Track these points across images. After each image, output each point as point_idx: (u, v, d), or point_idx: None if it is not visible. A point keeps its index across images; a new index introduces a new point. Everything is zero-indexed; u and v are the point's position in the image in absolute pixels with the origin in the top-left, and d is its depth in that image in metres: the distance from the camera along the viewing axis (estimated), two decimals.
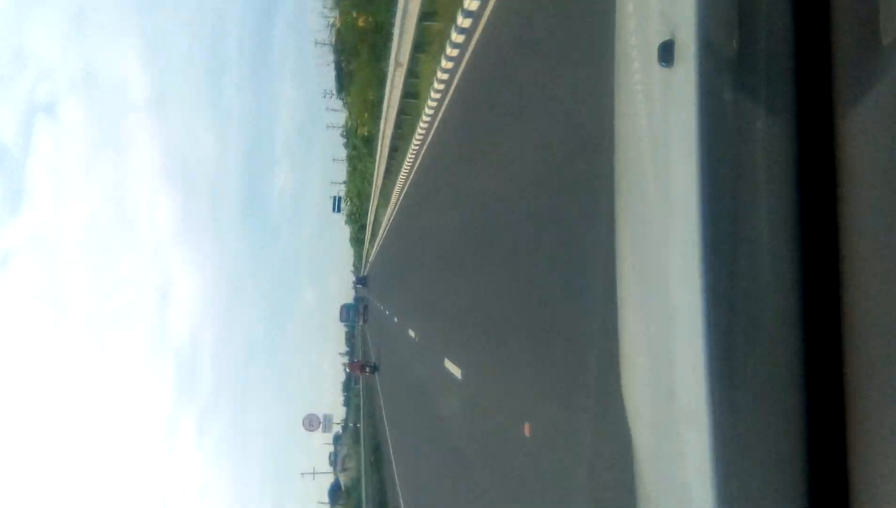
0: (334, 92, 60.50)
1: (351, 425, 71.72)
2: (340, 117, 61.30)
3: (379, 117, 30.86)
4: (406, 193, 27.48)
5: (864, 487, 0.89)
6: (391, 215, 35.73)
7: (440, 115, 17.08)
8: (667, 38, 1.16)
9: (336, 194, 71.14)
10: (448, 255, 14.95)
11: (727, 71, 1.06)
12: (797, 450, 0.95)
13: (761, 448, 0.97)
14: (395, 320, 29.48)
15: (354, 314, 61.59)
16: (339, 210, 71.47)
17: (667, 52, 1.16)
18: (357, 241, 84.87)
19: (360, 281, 77.93)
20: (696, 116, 1.05)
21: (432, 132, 18.77)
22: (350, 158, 66.30)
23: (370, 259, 63.28)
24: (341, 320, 64.27)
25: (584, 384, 5.13)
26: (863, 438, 0.89)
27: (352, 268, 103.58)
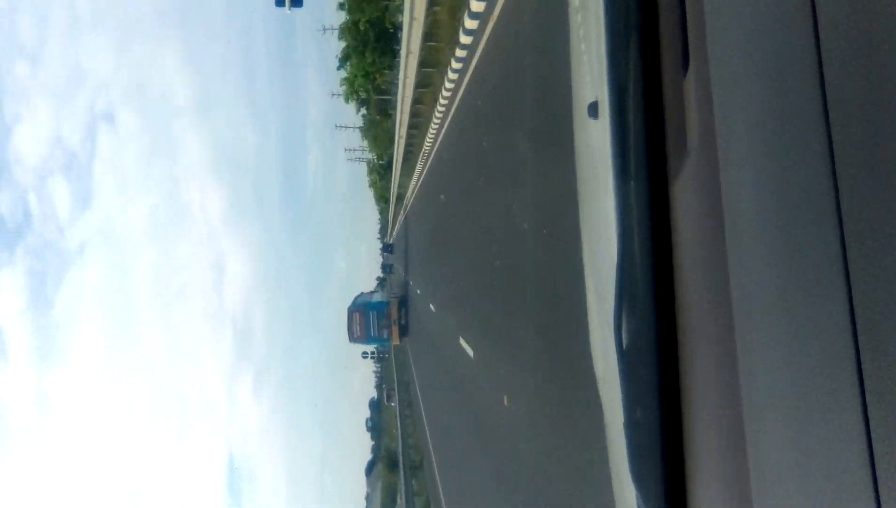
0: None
1: None
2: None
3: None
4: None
5: (694, 473, 1.29)
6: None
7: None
8: (594, 99, 1.61)
9: None
10: None
11: (620, 134, 1.47)
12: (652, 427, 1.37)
13: (640, 419, 1.41)
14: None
15: (378, 321, 31.44)
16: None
17: (593, 110, 1.61)
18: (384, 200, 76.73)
19: (387, 248, 65.93)
20: (610, 158, 1.49)
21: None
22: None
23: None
24: (351, 339, 34.41)
25: None
26: (689, 429, 1.29)
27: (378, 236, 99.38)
